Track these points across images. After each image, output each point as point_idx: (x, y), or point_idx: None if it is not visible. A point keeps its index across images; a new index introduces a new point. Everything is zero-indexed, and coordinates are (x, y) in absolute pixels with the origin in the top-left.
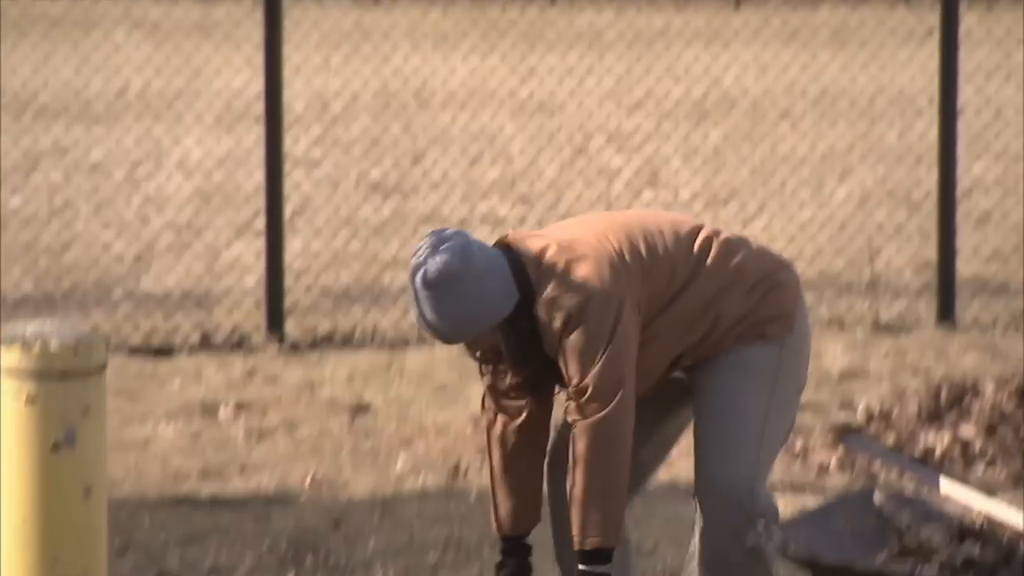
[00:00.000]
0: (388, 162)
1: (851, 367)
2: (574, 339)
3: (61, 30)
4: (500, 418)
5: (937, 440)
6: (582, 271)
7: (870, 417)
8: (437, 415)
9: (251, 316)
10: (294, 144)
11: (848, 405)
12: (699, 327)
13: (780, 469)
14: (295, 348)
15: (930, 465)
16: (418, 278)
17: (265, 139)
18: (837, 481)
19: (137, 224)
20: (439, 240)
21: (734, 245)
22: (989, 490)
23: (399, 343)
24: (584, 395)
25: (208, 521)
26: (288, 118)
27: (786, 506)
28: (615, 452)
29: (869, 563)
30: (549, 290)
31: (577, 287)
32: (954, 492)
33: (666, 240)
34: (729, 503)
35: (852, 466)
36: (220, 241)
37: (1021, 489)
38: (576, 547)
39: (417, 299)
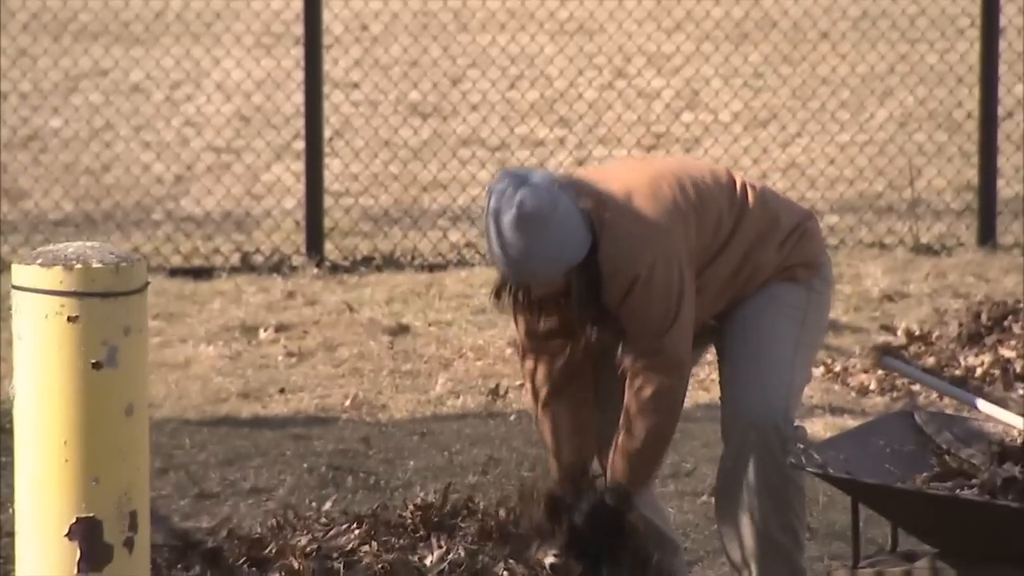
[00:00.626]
0: (427, 84)
1: (891, 288)
2: (644, 301)
3: None
4: (541, 361)
5: (978, 361)
6: (644, 228)
7: (910, 338)
8: (476, 337)
9: (290, 238)
10: (333, 66)
11: (888, 326)
12: (739, 278)
13: (820, 390)
14: (334, 270)
15: (971, 386)
16: (507, 217)
17: (304, 61)
18: (877, 402)
19: (177, 146)
20: (518, 179)
21: (768, 194)
22: None
23: (438, 265)
24: (656, 356)
25: (248, 442)
26: (327, 39)
27: (826, 427)
28: (674, 417)
29: (909, 484)
30: (613, 244)
31: (641, 245)
32: (994, 412)
33: (711, 187)
34: (767, 429)
35: (892, 387)
36: (259, 163)
37: None
38: (610, 484)
39: (500, 237)
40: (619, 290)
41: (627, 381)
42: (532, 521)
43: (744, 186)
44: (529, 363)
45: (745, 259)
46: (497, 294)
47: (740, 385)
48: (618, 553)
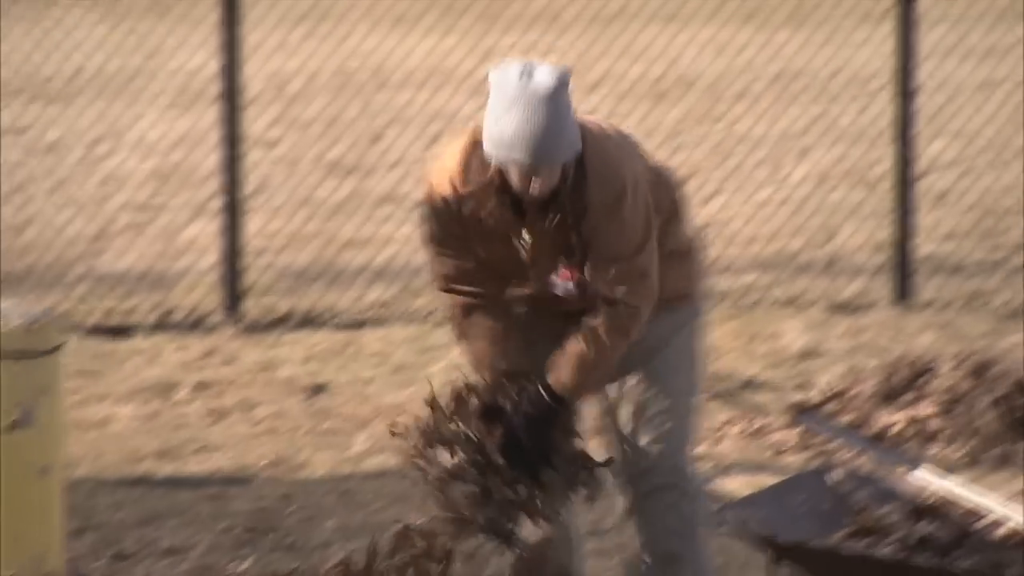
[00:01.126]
0: (346, 142)
1: (808, 346)
2: (630, 214)
3: (18, 8)
4: (465, 303)
5: (893, 419)
6: (621, 152)
7: (827, 396)
8: (395, 395)
9: (209, 296)
10: (252, 124)
11: (806, 384)
12: (665, 264)
13: (738, 448)
14: (253, 328)
15: (886, 444)
16: (534, 81)
17: (223, 119)
18: (794, 460)
19: (95, 204)
20: (528, 64)
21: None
22: (944, 469)
23: (357, 323)
24: (632, 277)
25: (165, 501)
26: (245, 98)
27: (744, 485)
28: (631, 340)
29: (825, 541)
30: (598, 156)
31: (620, 163)
32: (909, 471)
33: (666, 175)
34: (675, 482)
35: (809, 446)
36: (178, 221)
37: (976, 468)
38: (556, 386)
39: (521, 107)
40: (607, 200)
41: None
42: (469, 425)
43: (682, 199)
44: (455, 310)
45: (660, 262)
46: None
47: (647, 439)
48: (555, 456)
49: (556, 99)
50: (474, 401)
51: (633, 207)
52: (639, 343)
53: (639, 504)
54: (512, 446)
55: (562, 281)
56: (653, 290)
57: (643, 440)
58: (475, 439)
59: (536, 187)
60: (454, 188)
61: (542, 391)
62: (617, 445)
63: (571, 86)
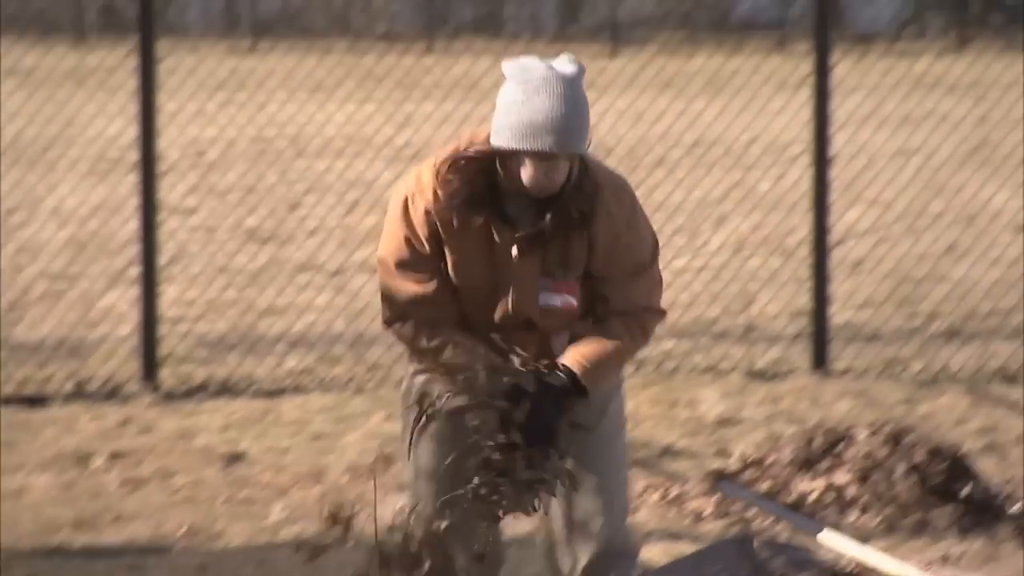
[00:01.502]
0: (264, 210)
1: (726, 414)
2: (643, 224)
3: None
4: (428, 319)
5: (811, 487)
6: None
7: (745, 464)
8: (313, 463)
9: (126, 365)
10: (169, 192)
11: (723, 452)
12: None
13: (656, 515)
14: (170, 397)
15: (804, 512)
16: (559, 68)
17: (140, 187)
18: (712, 528)
19: (11, 273)
20: (544, 60)
21: None
22: (862, 537)
23: (275, 392)
24: (656, 280)
25: (82, 572)
26: (163, 166)
27: (662, 553)
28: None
29: None
30: (603, 168)
31: (625, 179)
32: (827, 539)
33: None
34: (616, 552)
35: (727, 513)
36: (95, 289)
37: (893, 536)
38: (578, 369)
39: (549, 93)
40: (624, 209)
41: (605, 316)
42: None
43: None
44: (412, 331)
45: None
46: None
47: (587, 511)
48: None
49: (580, 85)
50: (501, 378)
51: (643, 215)
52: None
53: (587, 570)
54: (535, 422)
55: (556, 295)
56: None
57: (588, 507)
58: (498, 413)
59: (553, 177)
60: (438, 196)
61: (563, 373)
62: (561, 512)
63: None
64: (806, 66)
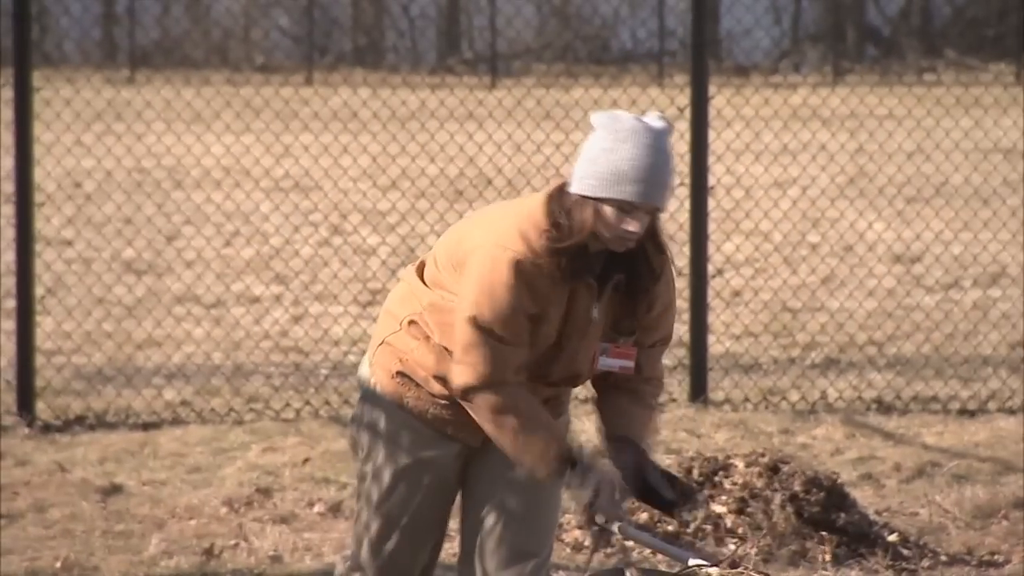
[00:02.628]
0: (142, 241)
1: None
2: (673, 292)
3: None
4: (512, 377)
5: (690, 517)
6: None
7: None
8: (191, 496)
9: (1, 398)
10: (45, 224)
11: None
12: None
13: None
14: (46, 429)
15: (683, 542)
16: (648, 119)
17: (16, 219)
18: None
19: None
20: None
21: None
22: (738, 567)
23: (152, 424)
24: (667, 344)
25: None
26: (39, 197)
27: None
28: None
29: None
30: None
31: None
32: (704, 569)
33: None
34: None
35: (606, 543)
36: None
37: (771, 565)
38: (641, 439)
39: (636, 143)
40: (672, 276)
41: (628, 381)
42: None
43: None
44: (509, 389)
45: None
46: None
47: (520, 544)
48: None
49: (668, 141)
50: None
51: (674, 291)
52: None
53: None
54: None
55: (616, 359)
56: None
57: (524, 538)
58: None
59: (638, 227)
60: (542, 249)
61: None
62: (491, 538)
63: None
64: (684, 98)
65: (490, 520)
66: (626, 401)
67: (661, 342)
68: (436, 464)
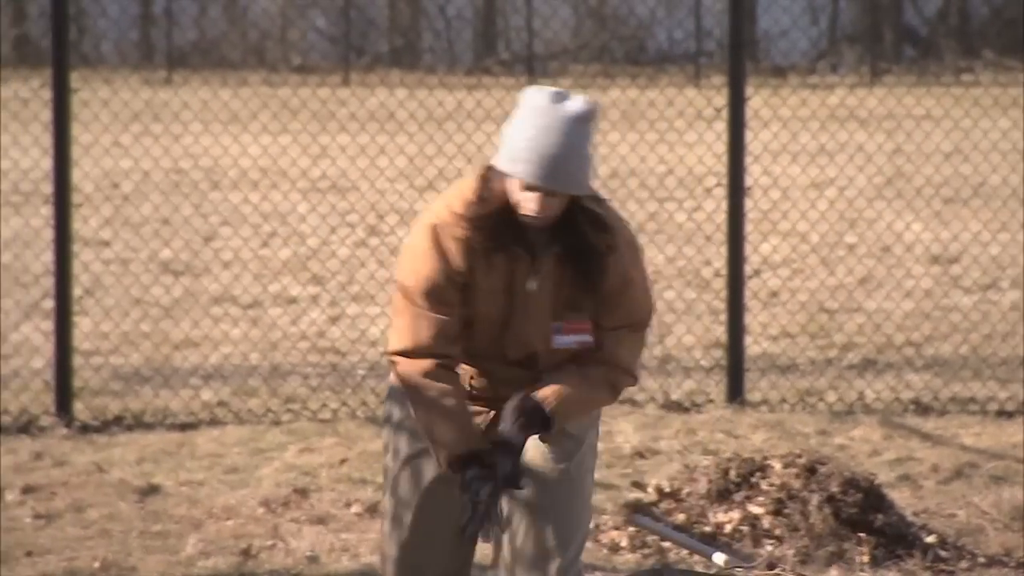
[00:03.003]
0: (179, 242)
1: (642, 445)
2: (642, 273)
3: None
4: (435, 349)
5: (727, 518)
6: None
7: (661, 495)
8: (228, 497)
9: (39, 398)
10: (83, 224)
11: (639, 483)
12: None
13: None
14: (84, 430)
15: (720, 543)
16: (567, 104)
17: (54, 219)
18: (628, 559)
19: None
20: (563, 91)
21: None
22: (776, 568)
23: (189, 424)
24: (641, 345)
25: None
26: (77, 198)
27: None
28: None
29: None
30: (620, 220)
31: (636, 236)
32: (740, 570)
33: None
34: None
35: (643, 545)
36: (7, 322)
37: (809, 566)
38: (548, 405)
39: (551, 131)
40: (634, 263)
41: (590, 359)
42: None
43: None
44: (426, 366)
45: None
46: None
47: (553, 536)
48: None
49: (581, 124)
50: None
51: (648, 278)
52: (568, 435)
53: None
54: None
55: (571, 335)
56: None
57: (548, 536)
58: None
59: (543, 207)
60: (459, 216)
61: (540, 405)
62: (518, 537)
63: (596, 120)
64: (721, 98)
65: (515, 520)
66: (565, 370)
67: (627, 328)
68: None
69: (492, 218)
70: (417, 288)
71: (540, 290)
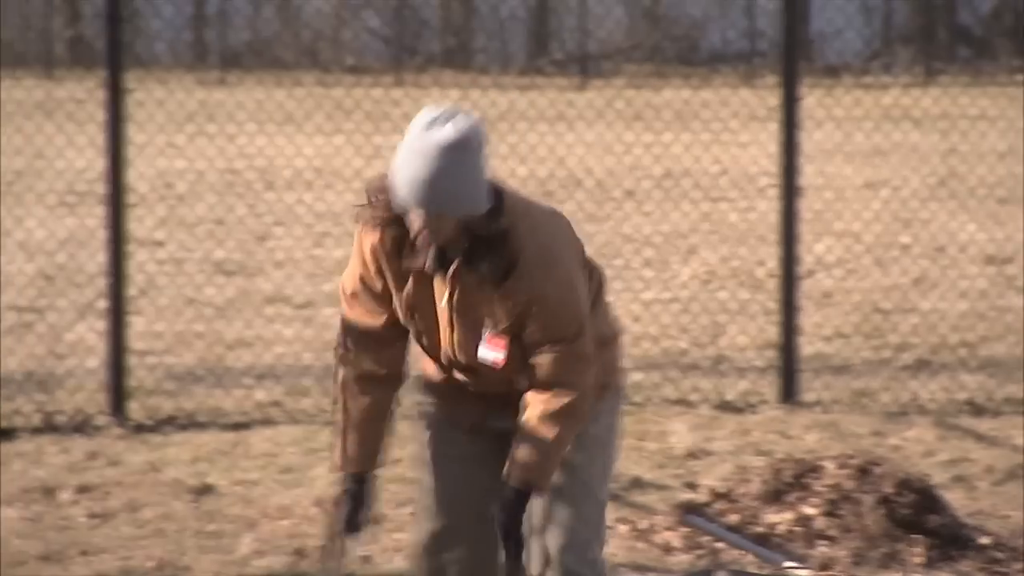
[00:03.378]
0: (233, 242)
1: (695, 446)
2: (570, 297)
3: None
4: (359, 355)
5: (780, 519)
6: (557, 242)
7: (714, 496)
8: (282, 497)
9: (94, 398)
10: (138, 225)
11: (692, 484)
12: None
13: (624, 547)
14: (138, 429)
15: (772, 544)
16: (436, 134)
17: (108, 220)
18: (681, 560)
19: None
20: (451, 111)
21: (607, 307)
22: (829, 569)
23: (243, 424)
24: (577, 356)
25: None
26: (132, 198)
27: None
28: (585, 415)
29: None
30: (532, 235)
31: (559, 246)
32: (795, 571)
33: (590, 266)
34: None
35: (696, 545)
36: (63, 322)
37: (861, 568)
38: (517, 484)
39: (419, 155)
40: (548, 279)
41: (532, 392)
42: None
43: (602, 286)
44: (345, 355)
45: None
46: (385, 224)
47: (562, 530)
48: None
49: (454, 150)
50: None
51: (573, 288)
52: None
53: None
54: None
55: (488, 351)
56: (592, 373)
57: (557, 531)
58: None
59: (427, 234)
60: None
61: (516, 493)
62: (530, 537)
63: (479, 144)
64: (774, 98)
65: (540, 505)
66: (515, 436)
67: (554, 343)
68: (448, 439)
69: (392, 228)
70: (347, 291)
71: (459, 306)
